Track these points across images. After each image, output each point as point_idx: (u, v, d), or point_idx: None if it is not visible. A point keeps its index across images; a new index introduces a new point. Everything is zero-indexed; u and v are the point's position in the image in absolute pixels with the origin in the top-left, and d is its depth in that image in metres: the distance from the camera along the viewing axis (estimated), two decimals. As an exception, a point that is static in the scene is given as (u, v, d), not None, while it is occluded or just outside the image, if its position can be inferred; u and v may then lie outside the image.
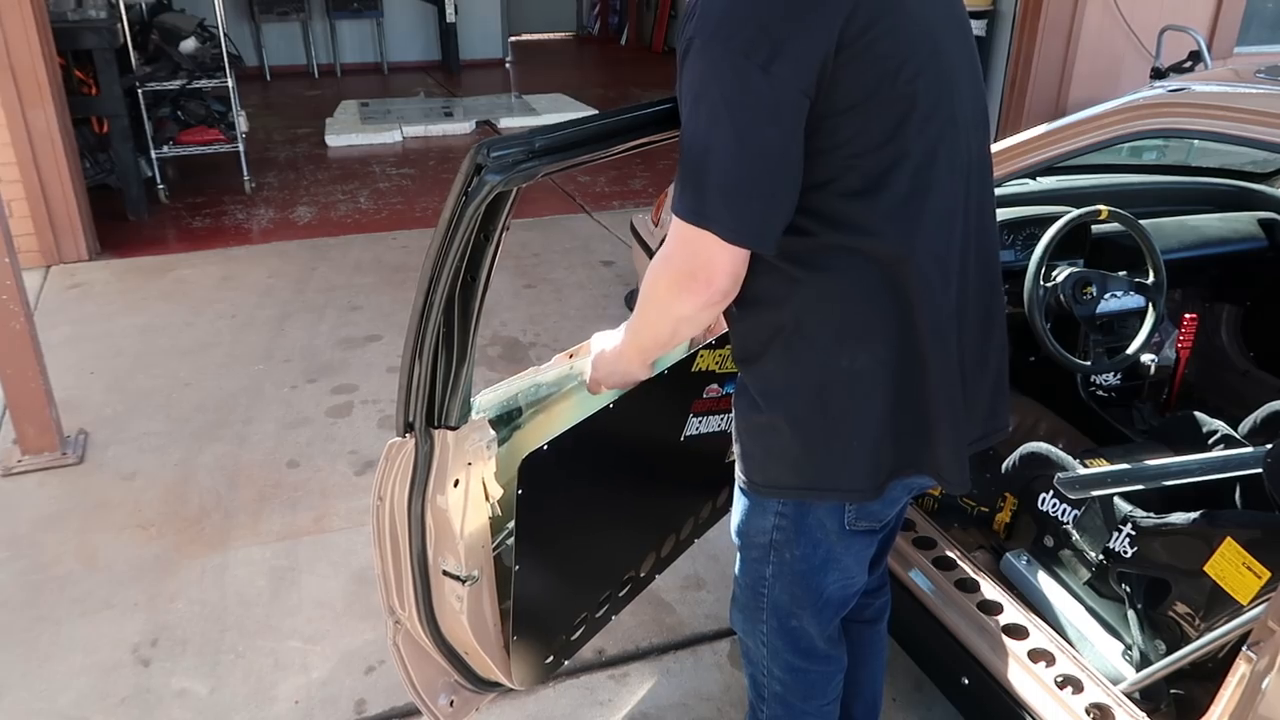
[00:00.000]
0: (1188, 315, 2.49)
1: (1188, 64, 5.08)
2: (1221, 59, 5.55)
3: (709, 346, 1.76)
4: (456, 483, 1.44)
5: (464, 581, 1.47)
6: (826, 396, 1.23)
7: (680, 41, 1.14)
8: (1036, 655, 1.72)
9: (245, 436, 3.21)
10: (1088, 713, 1.61)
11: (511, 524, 1.48)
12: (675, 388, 1.71)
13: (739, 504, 1.40)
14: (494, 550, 1.57)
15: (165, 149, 5.67)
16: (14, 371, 2.94)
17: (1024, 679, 1.69)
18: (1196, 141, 2.49)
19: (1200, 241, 2.51)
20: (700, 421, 1.80)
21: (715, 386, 1.80)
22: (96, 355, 3.77)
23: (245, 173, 5.93)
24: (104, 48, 4.88)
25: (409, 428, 1.39)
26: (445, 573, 1.48)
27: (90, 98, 5.05)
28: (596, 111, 1.32)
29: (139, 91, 5.37)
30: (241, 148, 5.86)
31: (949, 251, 1.22)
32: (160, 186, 5.72)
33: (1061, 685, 1.66)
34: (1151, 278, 2.21)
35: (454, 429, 1.39)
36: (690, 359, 1.72)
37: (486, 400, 1.58)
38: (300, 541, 2.68)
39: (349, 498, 2.88)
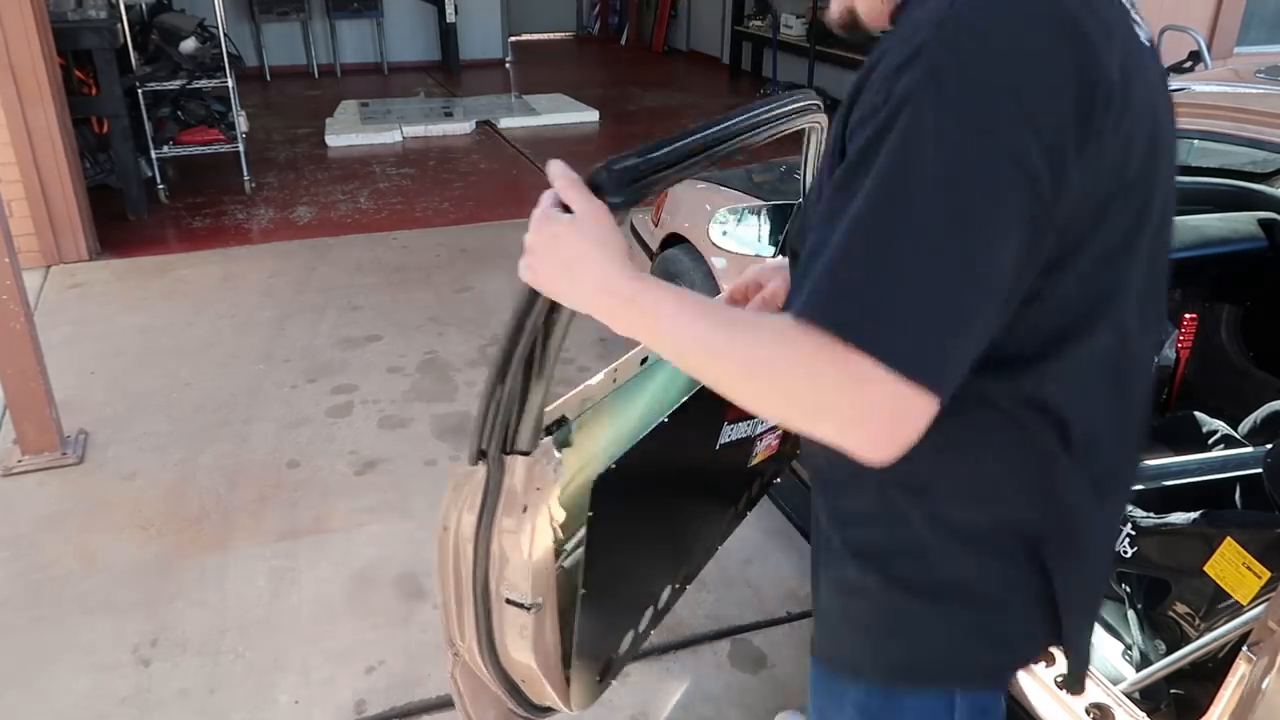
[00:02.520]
0: (1188, 315, 2.49)
1: (1188, 64, 5.08)
2: (1221, 59, 5.55)
3: None
4: (525, 509, 1.41)
5: (529, 609, 1.44)
6: (935, 557, 0.94)
7: (878, 83, 0.79)
8: (1036, 655, 1.72)
9: (245, 436, 3.21)
10: (1088, 713, 1.61)
11: (569, 545, 1.46)
12: (713, 396, 1.67)
13: (811, 678, 1.14)
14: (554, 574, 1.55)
15: (165, 149, 5.66)
16: (14, 371, 2.94)
17: (1024, 679, 1.68)
18: (1196, 141, 2.49)
19: (1200, 241, 2.51)
20: (732, 429, 1.77)
21: None
22: (96, 355, 3.77)
23: (245, 173, 5.93)
24: (104, 48, 4.89)
25: (482, 455, 1.33)
26: (509, 601, 1.46)
27: (90, 98, 5.05)
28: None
29: (139, 91, 5.37)
30: (241, 148, 5.86)
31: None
32: (160, 186, 5.72)
33: (1061, 685, 1.66)
34: (1151, 278, 2.21)
35: (526, 454, 1.33)
36: None
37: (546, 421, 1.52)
38: (300, 541, 2.68)
39: (349, 498, 2.88)
